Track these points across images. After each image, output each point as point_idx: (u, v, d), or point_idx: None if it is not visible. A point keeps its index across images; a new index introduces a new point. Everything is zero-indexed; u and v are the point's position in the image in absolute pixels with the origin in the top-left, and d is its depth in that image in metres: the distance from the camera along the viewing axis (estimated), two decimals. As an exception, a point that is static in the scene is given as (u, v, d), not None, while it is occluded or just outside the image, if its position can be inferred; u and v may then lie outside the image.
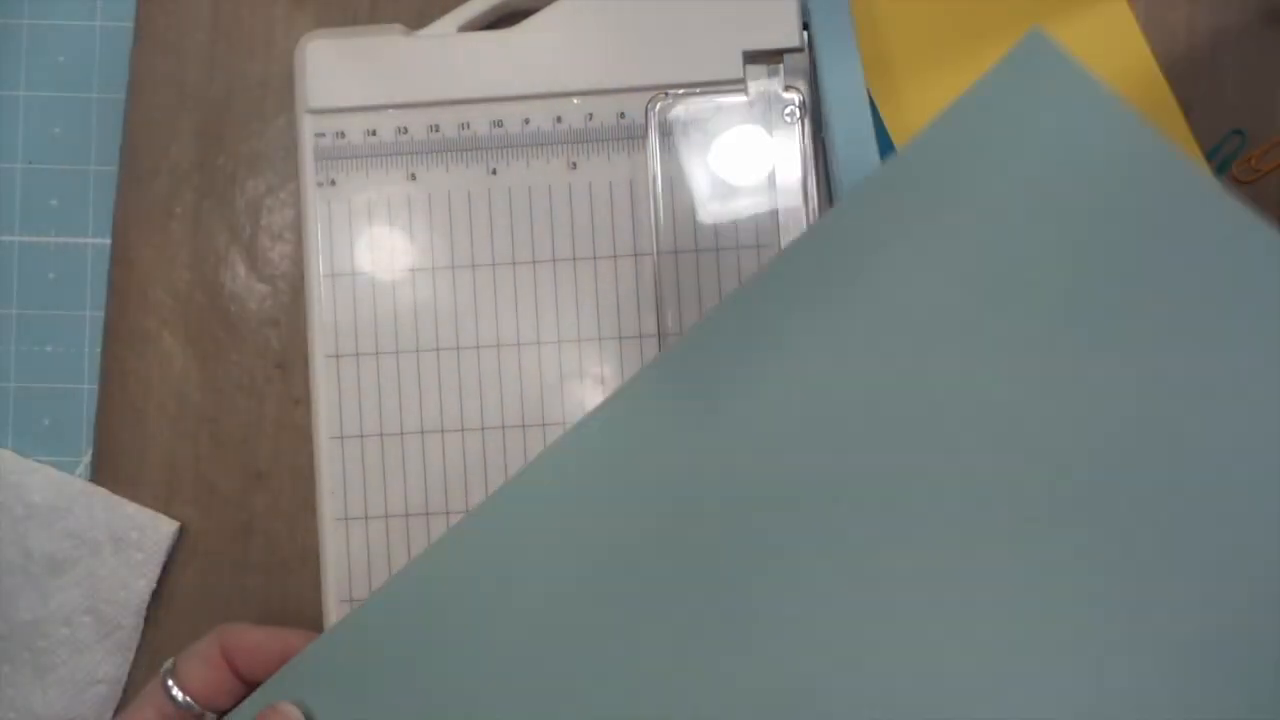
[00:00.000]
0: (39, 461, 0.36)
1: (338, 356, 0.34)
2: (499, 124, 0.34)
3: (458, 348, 0.34)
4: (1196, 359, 0.24)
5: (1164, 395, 0.24)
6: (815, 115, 0.33)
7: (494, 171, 0.34)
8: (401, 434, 0.33)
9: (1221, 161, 0.35)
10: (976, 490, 0.25)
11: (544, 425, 0.33)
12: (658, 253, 0.33)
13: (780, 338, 0.26)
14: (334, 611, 0.33)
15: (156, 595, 0.35)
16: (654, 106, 0.33)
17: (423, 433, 0.33)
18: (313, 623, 0.34)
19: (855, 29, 0.31)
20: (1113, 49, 0.35)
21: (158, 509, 0.35)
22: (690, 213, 0.33)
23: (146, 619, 0.35)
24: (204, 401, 0.35)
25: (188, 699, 0.29)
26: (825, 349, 0.26)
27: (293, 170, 0.36)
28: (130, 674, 0.35)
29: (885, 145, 0.35)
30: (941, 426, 0.25)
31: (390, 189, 0.34)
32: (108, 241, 0.36)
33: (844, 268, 0.26)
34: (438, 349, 0.34)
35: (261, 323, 0.36)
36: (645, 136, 0.33)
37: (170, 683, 0.29)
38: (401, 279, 0.34)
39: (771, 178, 0.33)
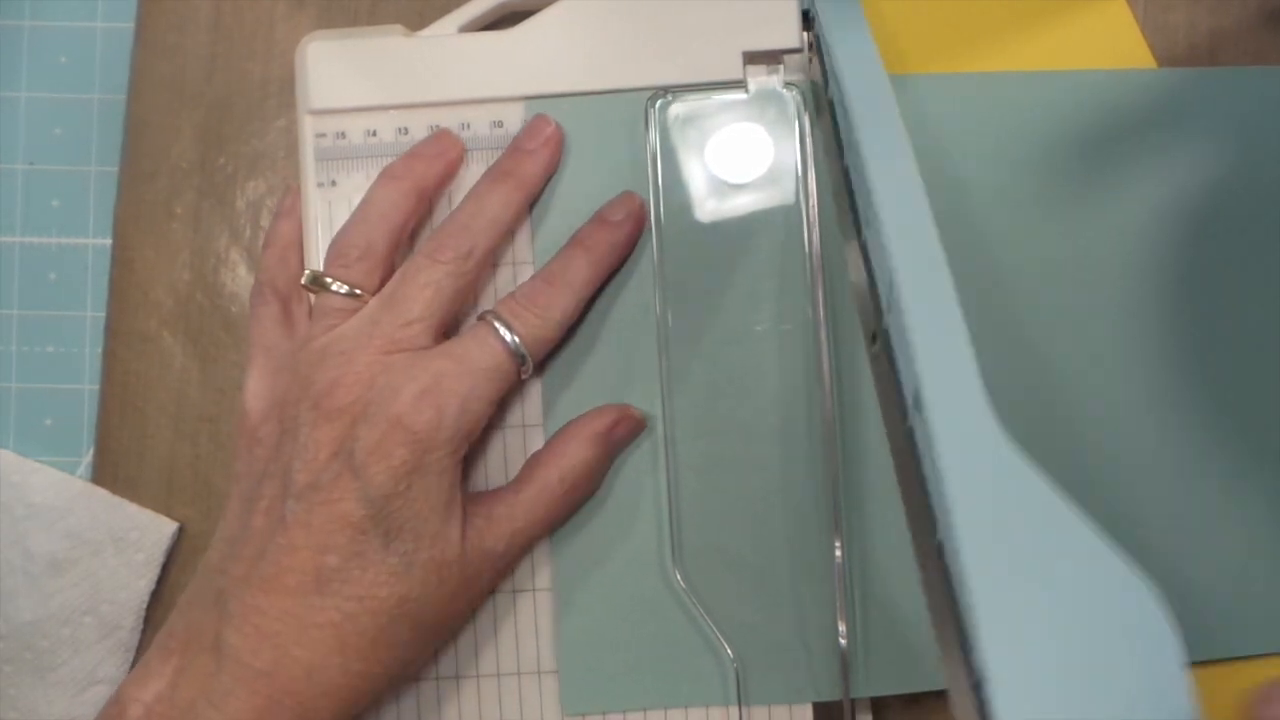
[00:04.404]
0: (40, 462, 0.36)
1: (338, 357, 0.34)
2: (499, 124, 0.34)
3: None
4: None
5: None
6: (826, 113, 0.32)
7: (494, 172, 0.34)
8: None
9: (1222, 161, 0.35)
10: None
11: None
12: (657, 251, 0.33)
13: None
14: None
15: (156, 595, 0.35)
16: (654, 106, 0.33)
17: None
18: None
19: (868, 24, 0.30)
20: (1112, 49, 0.35)
21: (158, 509, 0.35)
22: (690, 212, 0.33)
23: (146, 619, 0.35)
24: (204, 401, 0.35)
25: (516, 340, 0.30)
26: None
27: (293, 171, 0.36)
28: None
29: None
30: None
31: (390, 189, 0.34)
32: (108, 242, 0.36)
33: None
34: (438, 349, 0.33)
35: (262, 323, 0.36)
36: (645, 136, 0.33)
37: (497, 324, 0.30)
38: (402, 279, 0.34)
39: (771, 178, 0.33)
